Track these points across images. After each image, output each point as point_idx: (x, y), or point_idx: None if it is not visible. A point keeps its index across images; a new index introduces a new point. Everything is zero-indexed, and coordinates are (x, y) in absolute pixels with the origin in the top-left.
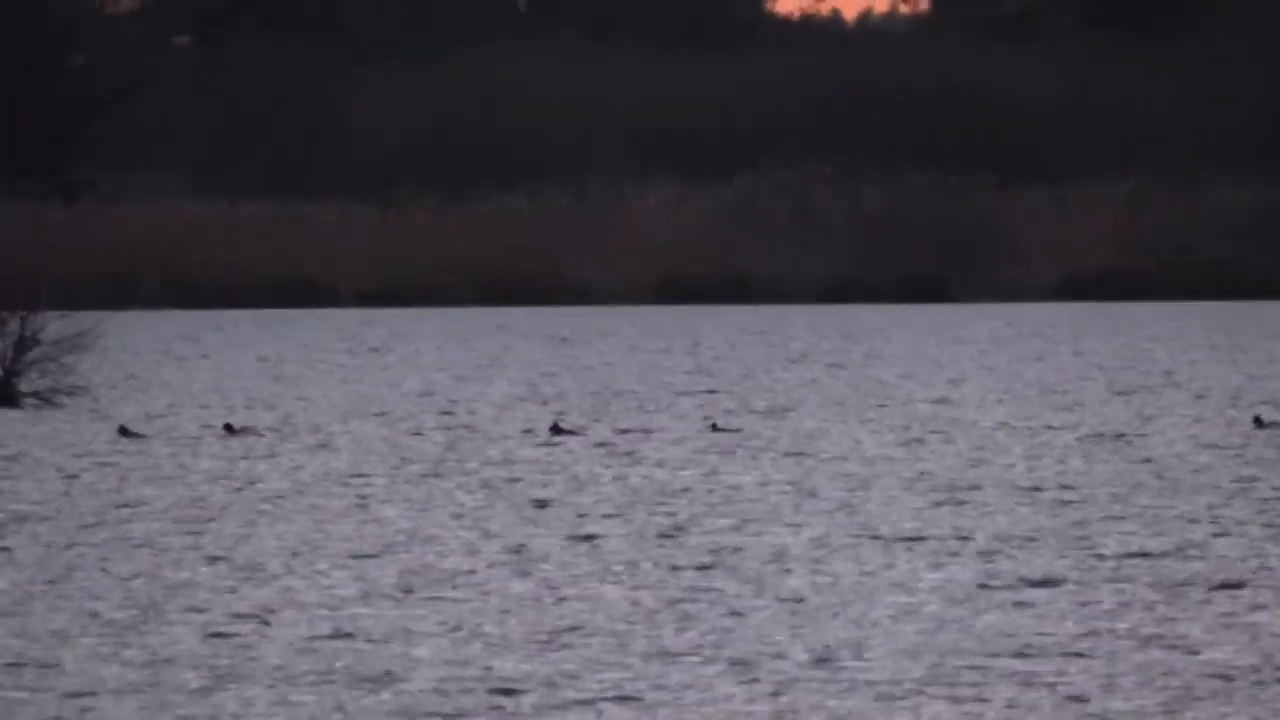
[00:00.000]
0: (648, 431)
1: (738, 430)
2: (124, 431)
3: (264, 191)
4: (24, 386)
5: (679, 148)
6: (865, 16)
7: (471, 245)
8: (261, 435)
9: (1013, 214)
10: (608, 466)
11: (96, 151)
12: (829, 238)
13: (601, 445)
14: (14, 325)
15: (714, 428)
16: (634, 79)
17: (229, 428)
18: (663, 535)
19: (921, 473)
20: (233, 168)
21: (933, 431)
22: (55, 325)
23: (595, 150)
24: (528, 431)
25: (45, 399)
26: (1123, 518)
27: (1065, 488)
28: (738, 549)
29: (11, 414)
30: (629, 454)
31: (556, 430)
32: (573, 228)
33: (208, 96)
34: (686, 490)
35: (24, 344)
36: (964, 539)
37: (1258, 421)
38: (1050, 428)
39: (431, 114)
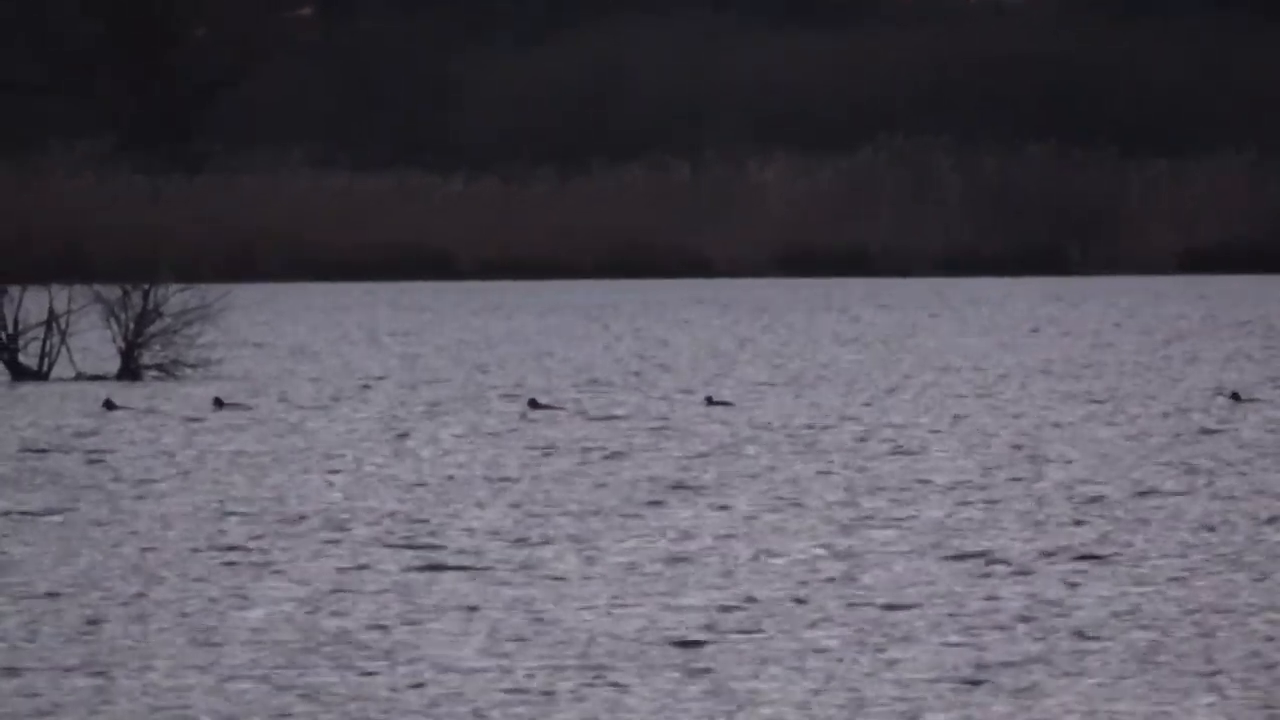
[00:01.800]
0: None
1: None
2: (219, 403)
3: (385, 164)
4: (146, 359)
5: (798, 120)
6: None
7: (591, 217)
8: (250, 408)
9: (1132, 186)
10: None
11: (219, 124)
12: (948, 210)
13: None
14: (136, 298)
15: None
16: (753, 51)
17: (218, 402)
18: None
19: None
20: (354, 140)
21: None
22: (177, 298)
23: (715, 123)
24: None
25: (167, 371)
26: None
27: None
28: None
29: (132, 386)
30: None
31: (534, 405)
32: (692, 200)
33: (330, 69)
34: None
35: (146, 316)
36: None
37: (1235, 397)
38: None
39: (552, 86)
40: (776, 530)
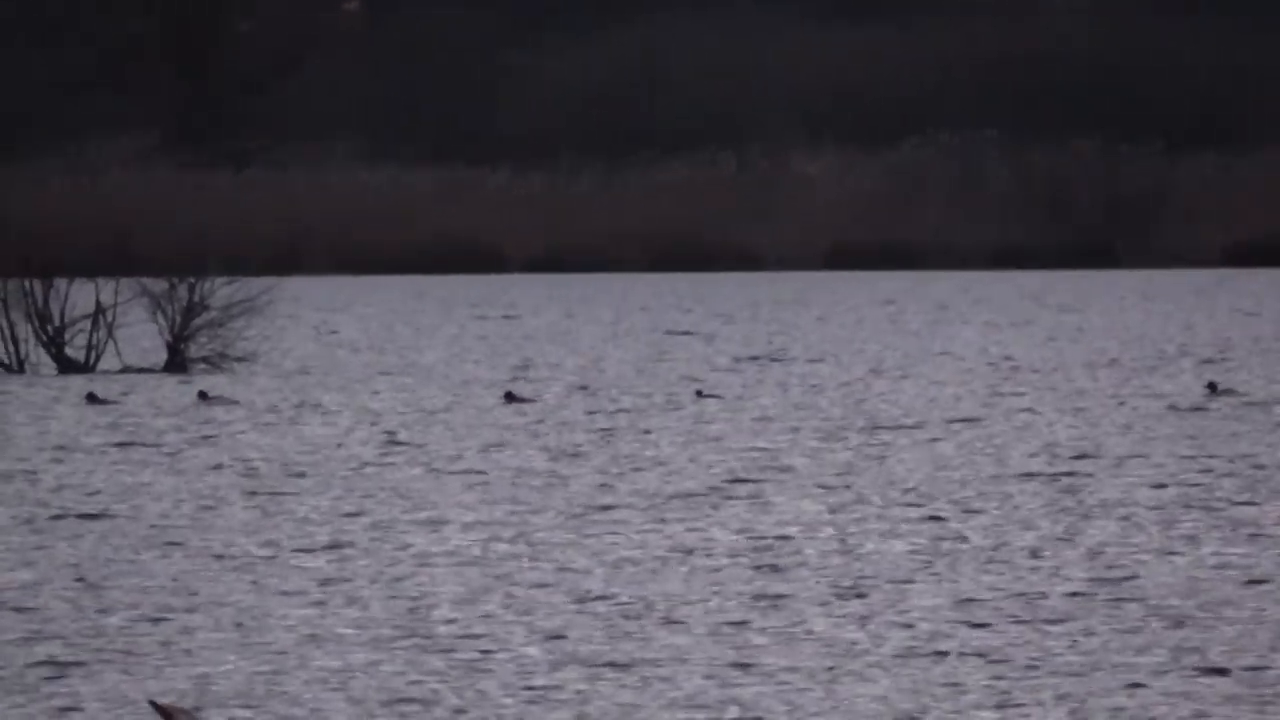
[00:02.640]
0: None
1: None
2: (203, 396)
3: (431, 159)
4: (193, 352)
5: (845, 115)
6: None
7: (638, 212)
8: (235, 402)
9: (1180, 180)
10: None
11: (265, 119)
12: (996, 204)
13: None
14: (183, 291)
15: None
16: (800, 47)
17: (202, 395)
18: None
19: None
20: (400, 135)
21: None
22: (223, 291)
23: (762, 117)
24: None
25: (214, 364)
26: None
27: None
28: None
29: (174, 378)
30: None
31: (510, 398)
32: (740, 195)
33: (375, 64)
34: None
35: (193, 310)
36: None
37: (1211, 387)
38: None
39: (599, 81)
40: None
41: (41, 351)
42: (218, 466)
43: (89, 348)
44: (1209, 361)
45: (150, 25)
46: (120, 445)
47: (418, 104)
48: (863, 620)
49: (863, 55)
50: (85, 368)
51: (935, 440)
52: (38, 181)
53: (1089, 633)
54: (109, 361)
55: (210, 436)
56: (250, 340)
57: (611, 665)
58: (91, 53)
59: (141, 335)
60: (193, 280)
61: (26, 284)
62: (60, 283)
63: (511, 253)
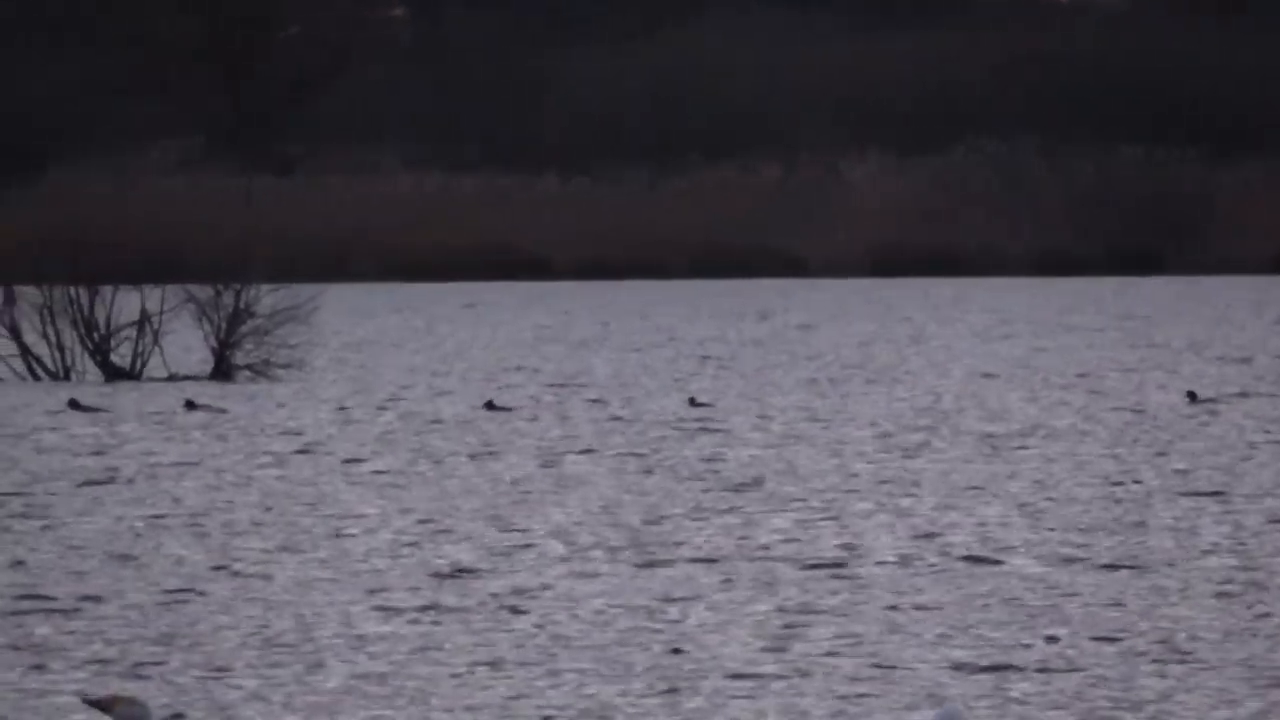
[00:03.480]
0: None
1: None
2: (190, 405)
3: (476, 164)
4: (238, 359)
5: (890, 121)
6: None
7: (683, 218)
8: (224, 411)
9: (1225, 187)
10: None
11: (310, 125)
12: (1041, 211)
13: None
14: (228, 298)
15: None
16: (844, 53)
17: (190, 404)
18: None
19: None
20: (445, 141)
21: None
22: (269, 298)
23: (806, 124)
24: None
25: (259, 371)
26: None
27: None
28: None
29: (219, 386)
30: None
31: (490, 407)
32: (784, 201)
33: (421, 70)
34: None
35: (238, 317)
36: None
37: (1191, 396)
38: None
39: (643, 88)
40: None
41: (87, 359)
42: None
43: (134, 355)
44: None
45: (196, 31)
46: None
47: (462, 110)
48: None
49: (908, 62)
50: (131, 375)
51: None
52: (83, 188)
53: None
54: (155, 369)
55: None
56: (295, 347)
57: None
58: (137, 59)
59: (187, 342)
60: (238, 287)
61: (72, 291)
62: (106, 290)
63: (557, 259)
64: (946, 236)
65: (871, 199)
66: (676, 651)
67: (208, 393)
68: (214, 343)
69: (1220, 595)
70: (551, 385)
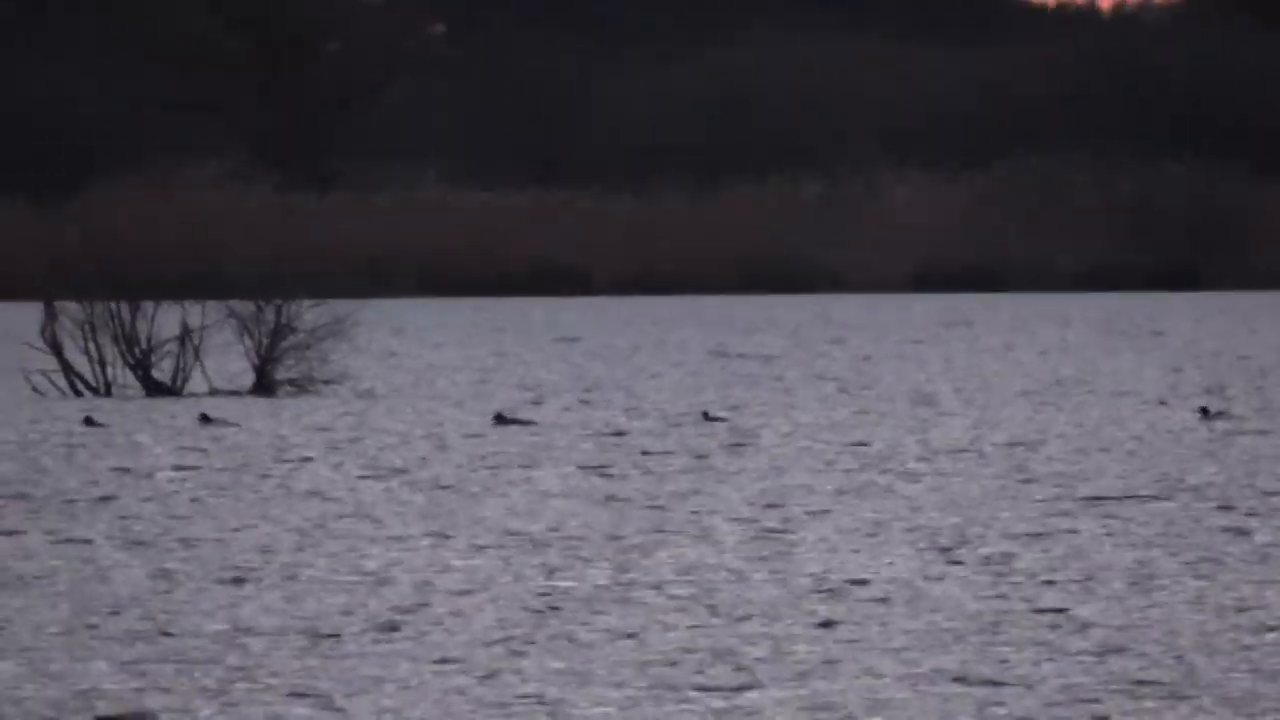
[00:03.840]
0: None
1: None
2: (205, 419)
3: (518, 181)
4: (280, 374)
5: (931, 137)
6: (1120, 4)
7: (725, 234)
8: (236, 425)
9: (1269, 201)
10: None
11: (352, 141)
12: (1084, 226)
13: None
14: (269, 314)
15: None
16: (886, 68)
17: (204, 417)
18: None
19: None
20: (487, 157)
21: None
22: (310, 314)
23: (848, 139)
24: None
25: (300, 387)
26: None
27: None
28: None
29: (260, 401)
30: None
31: (500, 419)
32: (826, 216)
33: (462, 86)
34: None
35: (280, 332)
36: None
37: (1204, 412)
38: None
39: (685, 103)
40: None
41: (129, 374)
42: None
43: (176, 370)
44: None
45: (238, 47)
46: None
47: (505, 126)
48: None
49: (951, 77)
50: (172, 390)
51: None
52: (124, 203)
53: None
54: (196, 384)
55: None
56: (337, 363)
57: None
58: (179, 74)
59: (229, 358)
60: (279, 302)
61: (113, 306)
62: (147, 305)
63: (599, 275)
64: (988, 252)
65: (914, 214)
66: None
67: (228, 407)
68: (255, 358)
69: None
70: (573, 398)
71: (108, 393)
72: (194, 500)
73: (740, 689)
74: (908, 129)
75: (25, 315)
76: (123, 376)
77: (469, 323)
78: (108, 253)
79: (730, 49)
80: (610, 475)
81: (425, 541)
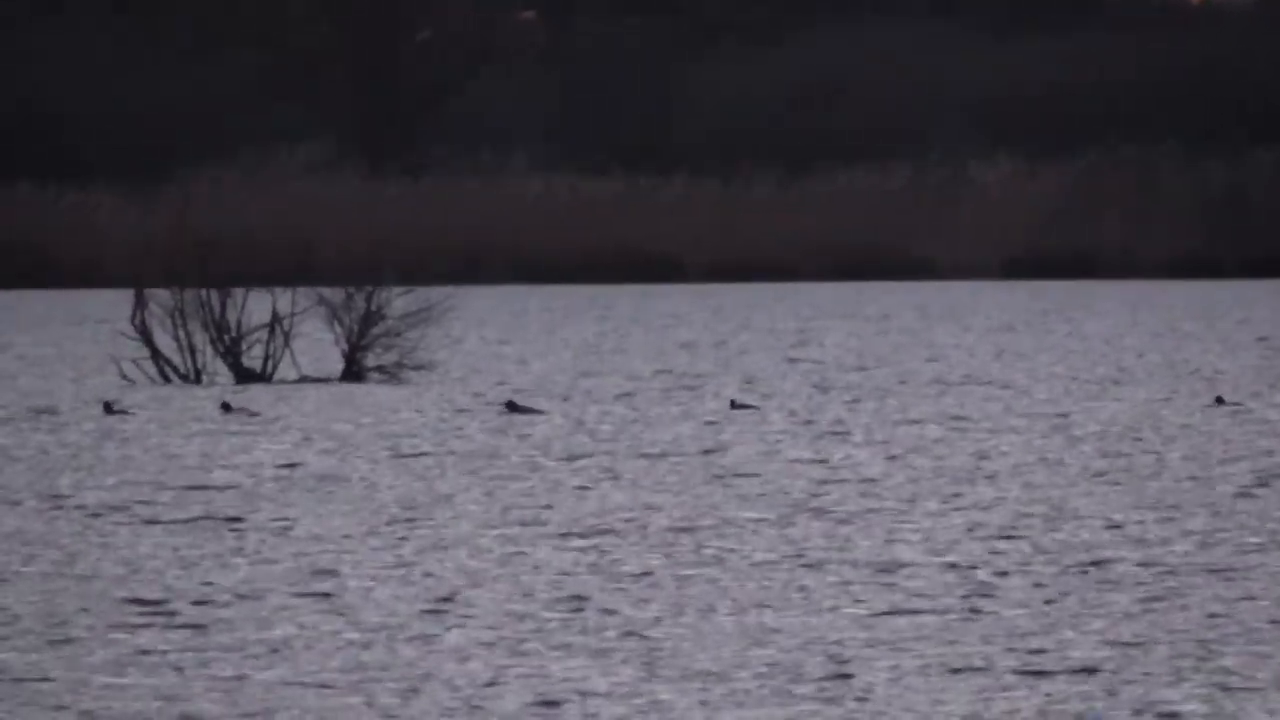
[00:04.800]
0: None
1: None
2: (227, 408)
3: (608, 167)
4: (369, 362)
5: (1023, 124)
6: None
7: (816, 221)
8: (256, 414)
9: None
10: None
11: (443, 128)
12: (1174, 215)
13: None
14: (359, 300)
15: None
16: (976, 56)
17: (226, 406)
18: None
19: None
20: (577, 144)
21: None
22: (400, 300)
23: (940, 127)
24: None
25: (390, 374)
26: None
27: None
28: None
29: (351, 388)
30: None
31: (512, 407)
32: (916, 204)
33: (553, 72)
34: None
35: (370, 319)
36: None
37: (1219, 400)
38: None
39: (775, 90)
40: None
41: (219, 362)
42: None
43: (265, 358)
44: None
45: (329, 35)
46: None
47: (595, 113)
48: None
49: (1041, 65)
50: (262, 378)
51: None
52: (215, 191)
53: None
54: (285, 371)
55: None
56: (427, 349)
57: None
58: (270, 63)
59: (319, 345)
60: (369, 289)
61: (203, 294)
62: (237, 292)
63: (689, 262)
64: (1078, 239)
65: (1004, 202)
66: None
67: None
68: (345, 345)
69: None
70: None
71: (197, 380)
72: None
73: None
74: (998, 116)
75: (116, 303)
76: (212, 364)
77: (560, 309)
78: (198, 240)
79: (820, 36)
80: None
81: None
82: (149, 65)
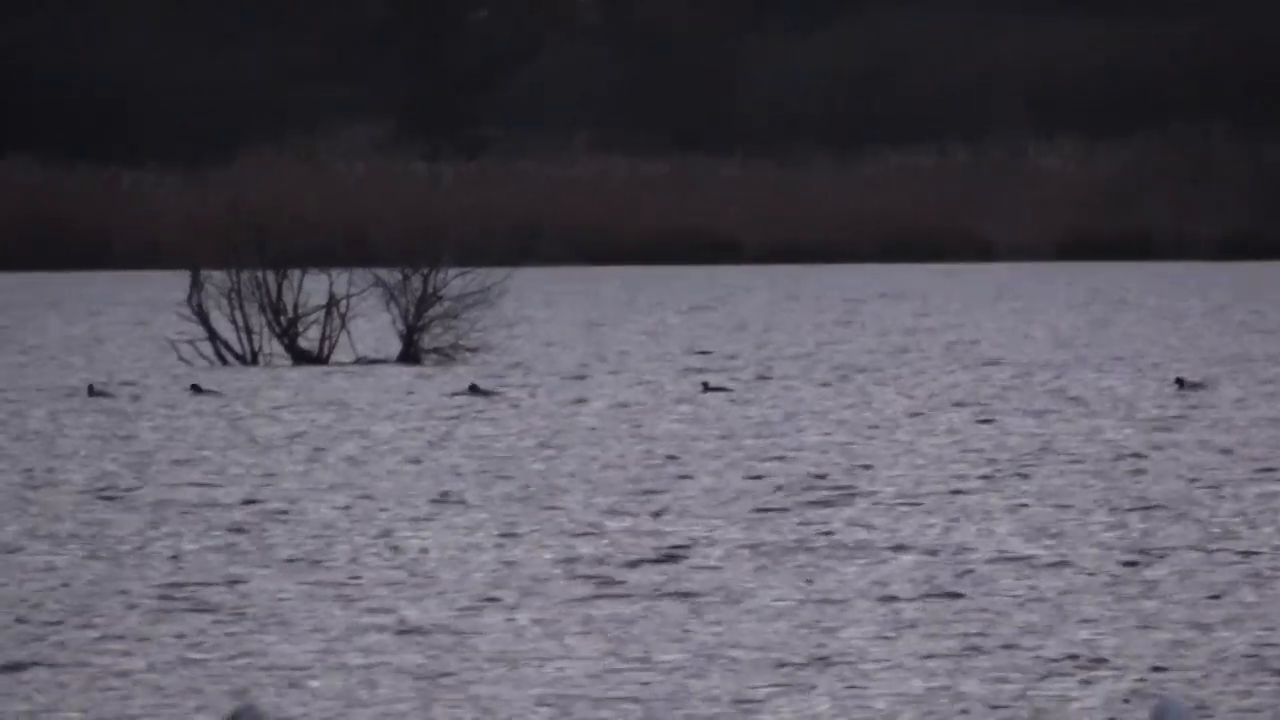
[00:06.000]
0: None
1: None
2: (196, 389)
3: (665, 148)
4: (426, 343)
5: (1080, 106)
6: None
7: (871, 201)
8: (222, 395)
9: None
10: None
11: (499, 108)
12: (1229, 195)
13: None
14: (416, 282)
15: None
16: (1031, 36)
17: (195, 388)
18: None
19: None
20: (634, 124)
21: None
22: (457, 282)
23: (994, 107)
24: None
25: (447, 355)
26: None
27: None
28: None
29: (403, 370)
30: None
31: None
32: (974, 185)
33: (610, 52)
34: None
35: (426, 300)
36: None
37: (1180, 383)
38: None
39: (831, 70)
40: None
41: (275, 343)
42: None
43: (322, 339)
44: None
45: (384, 14)
46: None
47: (651, 93)
48: None
49: (1098, 45)
50: (318, 359)
51: None
52: (271, 172)
53: None
54: (342, 353)
55: None
56: (483, 331)
57: None
58: (325, 42)
59: (376, 327)
60: (426, 270)
61: (259, 275)
62: (294, 274)
63: (746, 242)
64: (1134, 221)
65: (1060, 183)
66: None
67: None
68: (402, 326)
69: None
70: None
71: (254, 361)
72: None
73: None
74: (1054, 97)
75: (173, 284)
76: (269, 345)
77: (618, 290)
78: (254, 221)
79: (876, 15)
80: None
81: None
82: (205, 46)
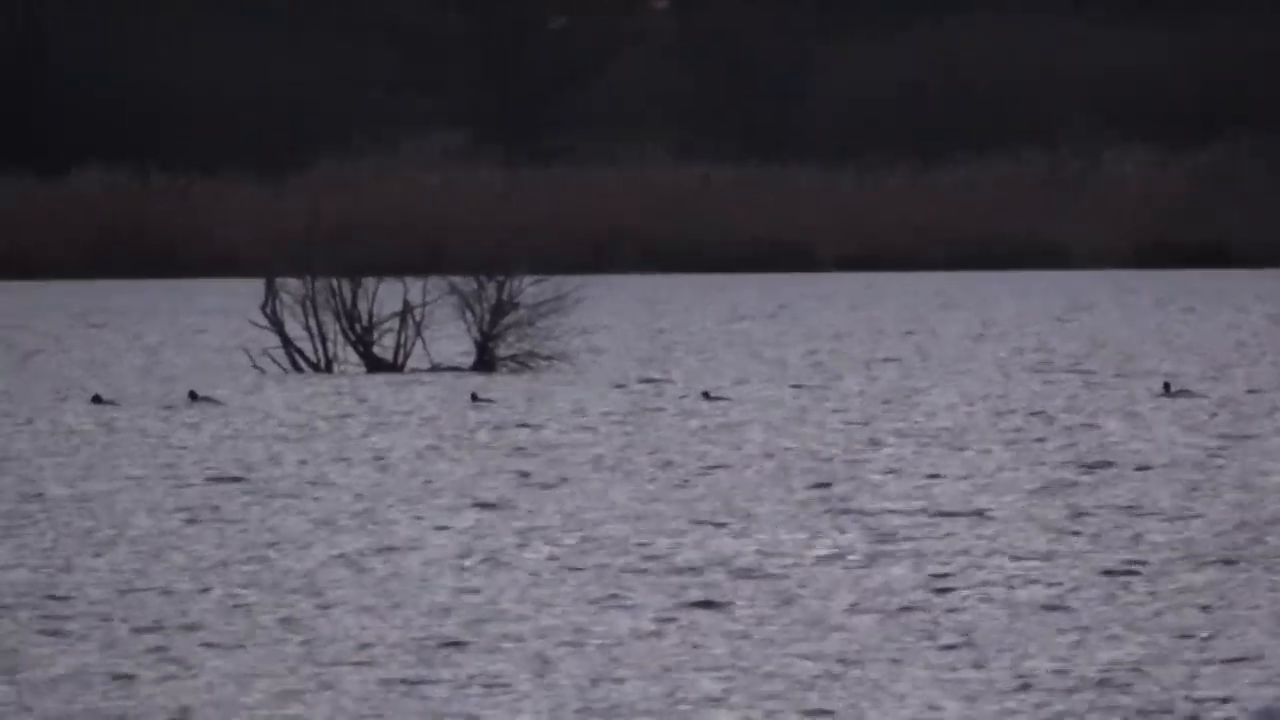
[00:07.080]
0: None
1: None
2: (194, 396)
3: (740, 156)
4: (501, 351)
5: (1156, 114)
6: None
7: (948, 209)
8: (220, 403)
9: None
10: None
11: (574, 117)
12: None
13: None
14: (491, 290)
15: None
16: (1106, 45)
17: (193, 395)
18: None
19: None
20: (709, 132)
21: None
22: (532, 289)
23: (1072, 116)
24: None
25: (522, 363)
26: None
27: None
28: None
29: (475, 378)
30: None
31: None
32: (1049, 192)
33: (685, 61)
34: None
35: (501, 308)
36: None
37: (1166, 388)
38: None
39: (908, 78)
40: None
41: (350, 351)
42: None
43: (397, 347)
44: None
45: (460, 24)
46: None
47: (726, 101)
48: None
49: (1175, 54)
50: (393, 367)
51: None
52: (347, 180)
53: None
54: (417, 360)
55: None
56: (559, 339)
57: None
58: (401, 52)
59: (450, 334)
60: (501, 279)
61: (334, 283)
62: (369, 282)
63: (822, 251)
64: (1211, 229)
65: (1136, 191)
66: None
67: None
68: (477, 334)
69: None
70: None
71: (328, 369)
72: None
73: None
74: (1131, 105)
75: (248, 292)
76: (343, 353)
77: (696, 298)
78: (330, 229)
79: (952, 24)
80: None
81: None
82: (284, 55)
